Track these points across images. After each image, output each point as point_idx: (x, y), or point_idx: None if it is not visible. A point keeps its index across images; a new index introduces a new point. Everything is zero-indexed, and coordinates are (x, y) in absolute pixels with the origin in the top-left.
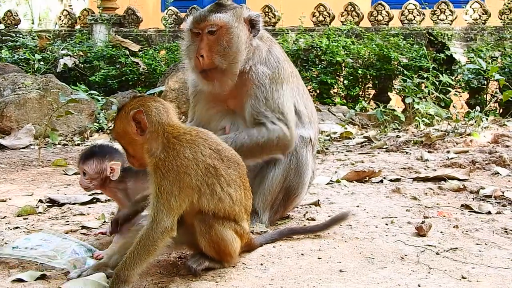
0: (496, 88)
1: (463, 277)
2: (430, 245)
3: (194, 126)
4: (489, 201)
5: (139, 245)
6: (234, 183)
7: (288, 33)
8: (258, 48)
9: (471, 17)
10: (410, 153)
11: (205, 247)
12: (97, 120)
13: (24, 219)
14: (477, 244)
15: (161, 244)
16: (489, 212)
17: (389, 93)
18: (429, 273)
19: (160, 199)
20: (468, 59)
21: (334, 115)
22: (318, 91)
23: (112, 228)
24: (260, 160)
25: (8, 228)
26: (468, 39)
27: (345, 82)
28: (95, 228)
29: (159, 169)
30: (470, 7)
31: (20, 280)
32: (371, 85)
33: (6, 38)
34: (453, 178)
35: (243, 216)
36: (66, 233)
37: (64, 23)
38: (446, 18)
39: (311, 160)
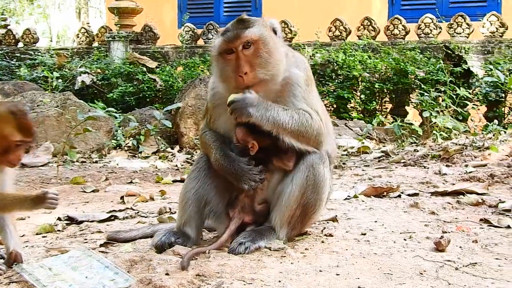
0: None
1: None
2: (449, 260)
3: (215, 134)
4: (508, 215)
5: None
6: None
7: (305, 48)
8: (286, 53)
9: (488, 30)
10: (428, 168)
11: None
12: (115, 137)
13: (43, 237)
14: (496, 259)
15: None
16: (509, 226)
17: (406, 107)
18: None
19: None
20: (485, 72)
21: (351, 129)
22: (335, 106)
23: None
24: (299, 144)
25: (27, 246)
26: (486, 52)
27: (362, 96)
28: (113, 246)
29: None
30: (487, 20)
31: None
32: (388, 99)
33: (24, 56)
34: (471, 192)
35: None
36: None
37: (82, 41)
38: (463, 31)
39: (328, 176)
